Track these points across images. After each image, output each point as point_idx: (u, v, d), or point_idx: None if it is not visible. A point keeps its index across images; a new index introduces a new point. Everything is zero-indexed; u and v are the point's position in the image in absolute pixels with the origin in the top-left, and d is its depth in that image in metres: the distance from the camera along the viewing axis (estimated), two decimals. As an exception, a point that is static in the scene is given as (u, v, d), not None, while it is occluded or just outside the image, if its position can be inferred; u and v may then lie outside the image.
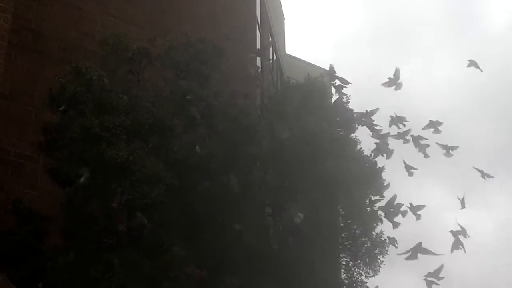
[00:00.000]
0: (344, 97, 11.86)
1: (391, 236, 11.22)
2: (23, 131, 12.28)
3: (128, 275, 9.45)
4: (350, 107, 11.71)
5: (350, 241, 10.97)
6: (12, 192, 11.45)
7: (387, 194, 11.24)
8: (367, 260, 10.88)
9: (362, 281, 10.85)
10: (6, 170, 12.06)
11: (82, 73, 10.33)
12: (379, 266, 10.92)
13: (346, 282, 10.89)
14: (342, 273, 11.04)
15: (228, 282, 10.34)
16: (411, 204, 11.02)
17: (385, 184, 11.20)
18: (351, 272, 10.93)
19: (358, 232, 11.04)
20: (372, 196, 11.33)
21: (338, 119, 11.44)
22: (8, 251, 10.15)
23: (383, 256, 10.94)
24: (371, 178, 11.14)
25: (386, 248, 10.97)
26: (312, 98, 11.56)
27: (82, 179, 9.62)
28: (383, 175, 11.15)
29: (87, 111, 10.04)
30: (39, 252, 10.09)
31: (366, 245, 10.97)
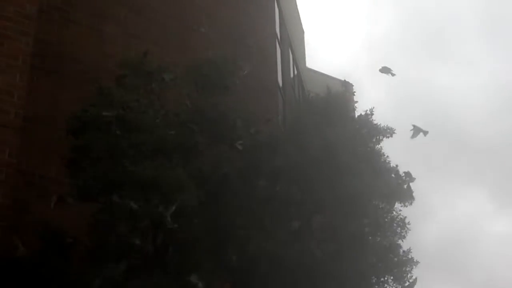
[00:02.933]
0: (368, 109, 11.84)
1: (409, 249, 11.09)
2: (47, 153, 12.40)
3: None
4: (374, 119, 11.67)
5: (375, 258, 10.87)
6: (39, 215, 11.51)
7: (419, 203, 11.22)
8: (396, 274, 10.77)
9: None
10: (31, 193, 12.15)
11: (105, 93, 10.47)
12: (409, 281, 10.80)
13: None
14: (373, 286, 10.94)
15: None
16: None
17: (412, 196, 11.12)
18: (381, 286, 10.83)
19: (384, 248, 10.95)
20: (399, 208, 11.30)
21: (364, 131, 11.39)
22: (34, 274, 10.21)
23: (409, 273, 10.82)
24: (397, 191, 11.10)
25: (414, 266, 10.86)
26: (333, 112, 11.55)
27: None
28: (416, 184, 11.12)
29: (111, 130, 10.13)
30: (66, 275, 10.11)
31: (394, 260, 10.85)
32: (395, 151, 11.48)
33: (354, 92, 12.43)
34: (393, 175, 11.19)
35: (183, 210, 9.86)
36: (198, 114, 10.92)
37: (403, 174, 11.19)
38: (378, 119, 11.57)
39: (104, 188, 9.95)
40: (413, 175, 11.08)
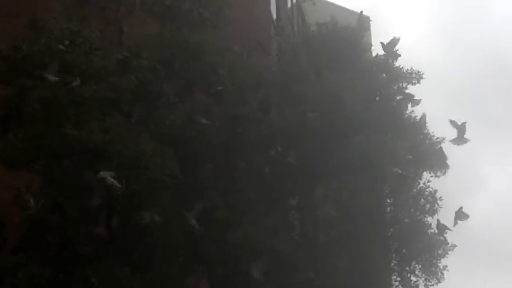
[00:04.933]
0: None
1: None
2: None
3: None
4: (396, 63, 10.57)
5: (399, 242, 9.87)
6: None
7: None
8: (425, 262, 9.75)
9: None
10: None
11: (41, 27, 9.29)
12: (441, 272, 9.80)
13: None
14: (393, 280, 9.97)
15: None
16: None
17: (445, 164, 10.05)
18: (405, 278, 9.83)
19: (408, 227, 9.93)
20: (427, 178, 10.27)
21: (383, 76, 10.29)
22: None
23: (440, 259, 9.81)
24: (425, 155, 10.05)
25: (448, 249, 9.85)
26: (341, 51, 10.49)
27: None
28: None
29: (49, 77, 9.08)
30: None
31: (421, 244, 9.85)
32: (434, 103, 10.29)
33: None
34: (421, 136, 10.08)
35: (146, 184, 8.82)
36: (164, 54, 9.88)
37: (434, 135, 10.08)
38: (415, 60, 10.50)
39: (38, 154, 9.00)
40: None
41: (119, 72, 9.41)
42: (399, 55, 10.48)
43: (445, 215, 10.01)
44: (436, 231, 10.02)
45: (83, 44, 9.36)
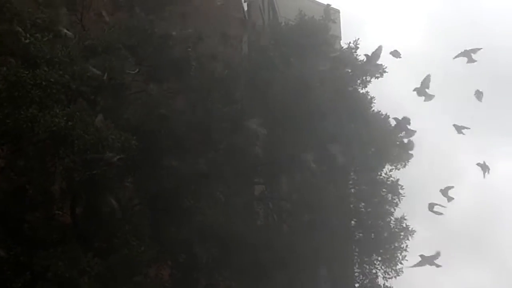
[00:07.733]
0: (352, 42, 10.78)
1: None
2: None
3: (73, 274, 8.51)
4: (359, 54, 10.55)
5: (361, 233, 9.80)
6: None
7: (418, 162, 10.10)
8: (386, 256, 9.68)
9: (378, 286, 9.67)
10: None
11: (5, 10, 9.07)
12: (401, 263, 9.77)
13: (357, 285, 9.75)
14: (355, 271, 9.91)
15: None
16: None
17: (409, 155, 10.04)
18: (366, 270, 9.78)
19: (369, 219, 9.87)
20: (388, 168, 10.25)
21: (348, 70, 10.29)
22: None
23: (403, 250, 9.77)
24: (387, 143, 10.03)
25: (408, 239, 9.81)
26: (308, 43, 10.48)
27: None
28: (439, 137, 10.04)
29: (12, 62, 8.95)
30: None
31: (384, 235, 9.80)
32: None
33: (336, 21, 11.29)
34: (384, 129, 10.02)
35: (107, 171, 8.72)
36: (131, 41, 9.76)
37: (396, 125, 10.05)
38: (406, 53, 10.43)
39: (2, 139, 8.74)
40: (436, 125, 9.96)
41: (84, 59, 9.31)
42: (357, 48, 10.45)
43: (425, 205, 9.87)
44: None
45: (47, 30, 9.22)
